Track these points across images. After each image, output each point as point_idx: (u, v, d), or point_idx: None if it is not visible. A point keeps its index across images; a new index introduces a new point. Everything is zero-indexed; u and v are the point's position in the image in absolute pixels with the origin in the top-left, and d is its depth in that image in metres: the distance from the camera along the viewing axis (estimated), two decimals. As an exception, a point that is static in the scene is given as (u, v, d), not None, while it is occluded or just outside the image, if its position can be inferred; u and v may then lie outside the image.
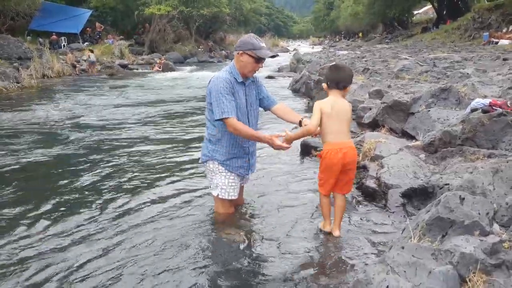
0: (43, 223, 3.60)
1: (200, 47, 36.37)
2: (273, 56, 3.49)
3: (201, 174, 4.68)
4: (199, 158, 3.51)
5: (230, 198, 3.35)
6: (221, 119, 3.07)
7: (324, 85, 3.15)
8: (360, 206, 3.75)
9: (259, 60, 3.14)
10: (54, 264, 2.90)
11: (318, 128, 3.03)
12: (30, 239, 3.30)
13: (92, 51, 22.21)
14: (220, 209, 3.46)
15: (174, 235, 3.28)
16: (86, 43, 28.08)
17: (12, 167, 5.33)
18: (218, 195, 3.33)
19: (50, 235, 3.35)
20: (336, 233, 3.16)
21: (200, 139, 6.48)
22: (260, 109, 3.51)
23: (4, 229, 3.48)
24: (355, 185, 4.02)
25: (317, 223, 3.38)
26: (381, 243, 3.04)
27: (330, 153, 2.97)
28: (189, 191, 4.32)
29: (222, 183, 3.29)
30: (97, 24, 30.11)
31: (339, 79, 3.01)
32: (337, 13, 69.46)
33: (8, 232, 3.41)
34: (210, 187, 3.44)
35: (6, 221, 3.66)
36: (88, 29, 29.68)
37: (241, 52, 3.12)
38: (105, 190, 4.42)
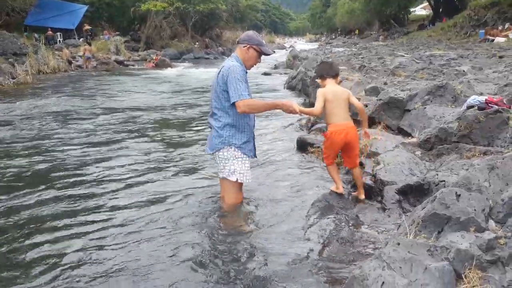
0: (42, 223, 3.58)
1: (197, 43, 36.23)
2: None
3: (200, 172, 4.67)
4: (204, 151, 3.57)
5: (247, 181, 3.47)
6: (236, 102, 3.16)
7: (318, 80, 3.72)
8: (356, 202, 3.76)
9: (260, 55, 3.41)
10: (54, 263, 2.89)
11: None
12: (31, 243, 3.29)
13: (90, 44, 22.01)
14: (232, 195, 3.50)
15: (182, 226, 3.36)
16: (82, 39, 27.87)
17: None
18: (237, 179, 3.39)
19: (50, 235, 3.34)
20: (361, 196, 3.70)
21: (193, 136, 6.50)
22: None
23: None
24: (351, 183, 4.04)
25: (315, 220, 3.40)
26: (377, 239, 3.04)
27: (334, 134, 3.50)
28: (193, 186, 4.36)
29: (240, 168, 3.39)
30: (86, 25, 29.22)
31: (331, 69, 3.69)
32: (333, 10, 69.42)
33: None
34: (222, 174, 3.43)
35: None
36: (85, 25, 29.40)
37: (248, 46, 3.34)
38: (111, 180, 4.42)
